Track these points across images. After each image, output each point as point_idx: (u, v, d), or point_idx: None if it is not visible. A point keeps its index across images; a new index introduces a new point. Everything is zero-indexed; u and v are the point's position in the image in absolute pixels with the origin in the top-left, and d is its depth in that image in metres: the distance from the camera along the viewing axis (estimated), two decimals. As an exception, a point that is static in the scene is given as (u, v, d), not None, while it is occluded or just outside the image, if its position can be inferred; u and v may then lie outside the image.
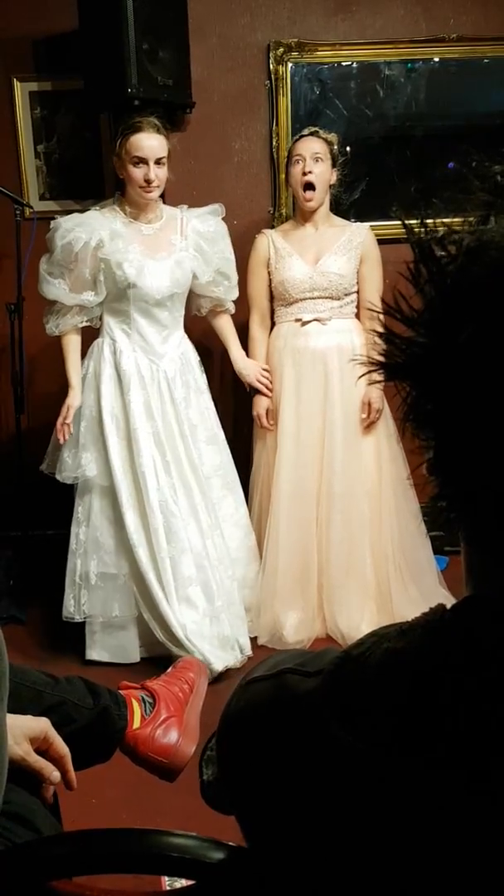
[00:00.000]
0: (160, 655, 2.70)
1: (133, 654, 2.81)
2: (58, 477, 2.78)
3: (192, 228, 2.82)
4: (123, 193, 2.79)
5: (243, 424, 3.34)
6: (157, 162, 2.65)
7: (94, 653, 2.80)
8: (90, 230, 2.66)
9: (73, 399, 2.73)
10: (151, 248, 2.75)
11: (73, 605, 2.74)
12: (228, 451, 2.98)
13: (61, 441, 2.72)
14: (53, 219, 2.79)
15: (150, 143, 2.64)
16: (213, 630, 2.68)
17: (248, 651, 2.75)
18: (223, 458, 2.93)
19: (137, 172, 2.65)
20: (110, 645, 2.81)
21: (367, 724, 0.57)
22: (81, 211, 2.85)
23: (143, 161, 2.64)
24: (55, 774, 1.10)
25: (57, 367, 2.84)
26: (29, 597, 3.17)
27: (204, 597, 2.70)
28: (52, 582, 2.88)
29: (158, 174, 2.66)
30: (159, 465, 2.72)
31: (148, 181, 2.65)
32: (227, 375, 3.17)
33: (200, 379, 2.91)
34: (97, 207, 2.81)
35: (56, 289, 2.70)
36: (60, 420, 2.71)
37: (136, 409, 2.71)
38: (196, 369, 2.90)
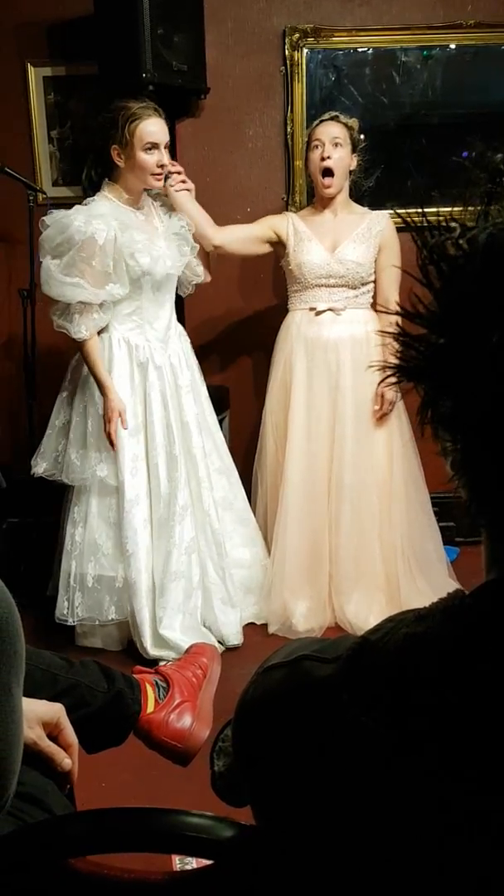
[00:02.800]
0: None
1: (123, 640, 2.81)
2: (65, 479, 2.69)
3: (161, 211, 2.83)
4: (112, 181, 2.70)
5: (249, 416, 3.33)
6: (165, 146, 2.65)
7: (86, 640, 2.79)
8: (105, 221, 2.58)
9: (118, 402, 2.60)
10: (149, 234, 2.72)
11: (67, 608, 2.69)
12: (221, 434, 2.96)
13: (112, 450, 2.62)
14: (67, 205, 2.69)
15: (157, 128, 2.63)
16: (188, 623, 2.67)
17: (234, 641, 2.73)
18: (216, 442, 2.92)
19: (150, 159, 2.63)
20: (101, 633, 2.80)
21: (388, 707, 0.57)
22: (79, 201, 2.73)
23: (155, 146, 2.62)
24: (66, 762, 1.08)
25: (70, 354, 2.83)
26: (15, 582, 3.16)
27: (183, 593, 2.68)
28: (38, 567, 2.85)
29: (168, 158, 2.67)
30: (167, 458, 2.69)
31: (161, 166, 2.64)
32: (234, 367, 3.16)
33: (196, 363, 2.89)
34: (93, 199, 2.68)
35: (78, 289, 2.54)
36: (112, 427, 2.58)
37: (154, 401, 2.68)
38: (191, 352, 2.88)
